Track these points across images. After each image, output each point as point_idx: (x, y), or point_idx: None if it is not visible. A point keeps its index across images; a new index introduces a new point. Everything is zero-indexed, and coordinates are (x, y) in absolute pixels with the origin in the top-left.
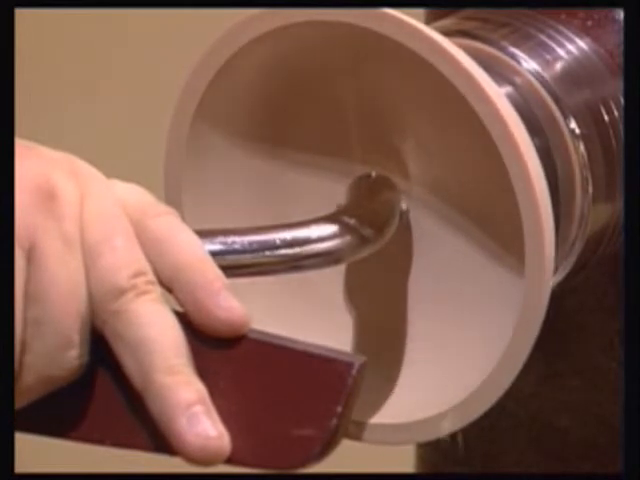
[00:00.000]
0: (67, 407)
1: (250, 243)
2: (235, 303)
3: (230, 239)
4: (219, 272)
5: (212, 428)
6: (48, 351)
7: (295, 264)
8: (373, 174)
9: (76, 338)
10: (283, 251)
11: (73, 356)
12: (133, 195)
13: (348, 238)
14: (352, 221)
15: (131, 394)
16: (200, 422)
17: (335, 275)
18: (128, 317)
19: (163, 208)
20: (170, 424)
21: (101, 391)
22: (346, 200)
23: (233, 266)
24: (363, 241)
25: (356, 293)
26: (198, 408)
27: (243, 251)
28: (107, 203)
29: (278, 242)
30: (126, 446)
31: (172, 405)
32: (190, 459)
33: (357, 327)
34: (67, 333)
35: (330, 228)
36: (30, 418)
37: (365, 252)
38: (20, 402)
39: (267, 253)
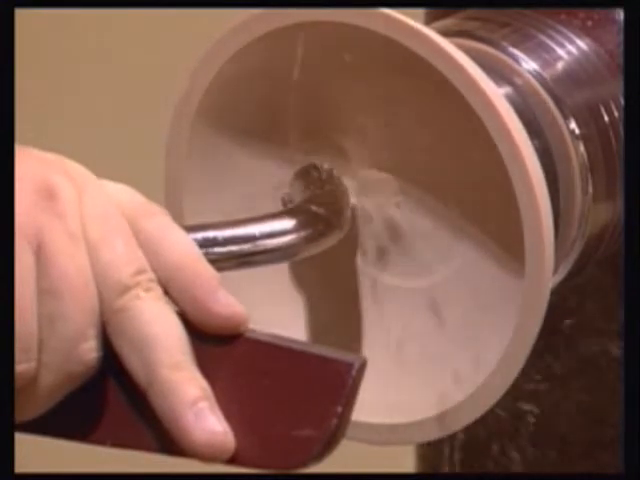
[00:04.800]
0: (67, 408)
1: (231, 237)
2: (233, 300)
3: (211, 234)
4: (214, 271)
5: (218, 424)
6: (64, 347)
7: (277, 255)
8: (318, 164)
9: (91, 331)
10: (264, 242)
11: (89, 349)
12: (125, 195)
13: (321, 226)
14: (321, 210)
15: (132, 393)
16: (206, 418)
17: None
18: (133, 314)
19: (155, 208)
20: (177, 419)
21: (101, 391)
22: (298, 190)
23: (218, 260)
24: (332, 228)
25: (320, 287)
26: (204, 404)
27: (224, 244)
28: (104, 203)
29: (258, 234)
30: (127, 446)
31: (178, 401)
32: (196, 455)
33: (345, 326)
34: (82, 327)
35: (305, 218)
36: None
37: (334, 240)
38: (44, 404)
39: (248, 246)
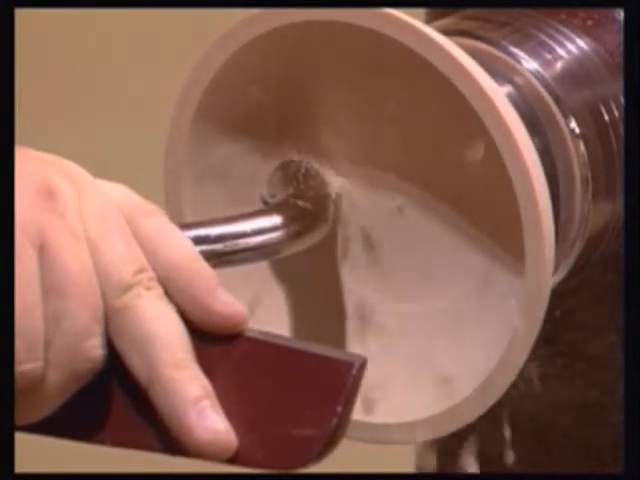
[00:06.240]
0: (68, 408)
1: (223, 234)
2: (233, 299)
3: (202, 231)
4: (212, 270)
5: (220, 422)
6: (70, 344)
7: (268, 251)
8: (296, 159)
9: (96, 328)
10: (255, 239)
11: (94, 346)
12: (122, 195)
13: (309, 221)
14: (307, 205)
15: (133, 392)
16: (208, 416)
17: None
18: (134, 313)
19: (152, 208)
20: (179, 418)
21: (102, 390)
22: (279, 186)
23: (211, 258)
24: (319, 223)
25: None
26: (206, 403)
27: (216, 242)
28: (103, 202)
29: (248, 231)
30: (128, 446)
31: (181, 399)
32: (198, 453)
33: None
34: (87, 324)
35: (294, 213)
36: None
37: (322, 234)
38: (52, 404)
39: (239, 243)
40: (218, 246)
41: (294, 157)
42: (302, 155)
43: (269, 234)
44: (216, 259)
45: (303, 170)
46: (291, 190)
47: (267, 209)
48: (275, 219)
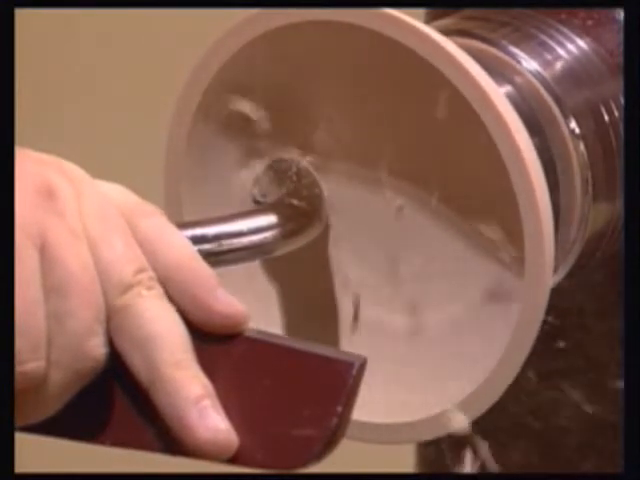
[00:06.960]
0: (68, 408)
1: (220, 234)
2: (233, 299)
3: (199, 231)
4: (211, 269)
5: (221, 422)
6: (73, 343)
7: (264, 250)
8: (287, 157)
9: (98, 327)
10: (251, 238)
11: (97, 345)
12: (120, 195)
13: (304, 220)
14: (302, 204)
15: (133, 392)
16: (210, 416)
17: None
18: (135, 312)
19: (151, 208)
20: (181, 417)
21: (102, 390)
22: (271, 185)
23: (208, 257)
24: (314, 221)
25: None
26: (207, 402)
27: (213, 241)
28: (102, 202)
29: (245, 230)
30: (128, 446)
31: (182, 399)
32: (199, 453)
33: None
34: (89, 323)
35: (289, 212)
36: None
37: (316, 232)
38: (55, 404)
39: (236, 242)
40: (214, 245)
41: (284, 156)
42: (295, 154)
43: (265, 233)
44: (213, 258)
45: (295, 169)
46: (284, 189)
47: (263, 208)
48: (271, 218)
